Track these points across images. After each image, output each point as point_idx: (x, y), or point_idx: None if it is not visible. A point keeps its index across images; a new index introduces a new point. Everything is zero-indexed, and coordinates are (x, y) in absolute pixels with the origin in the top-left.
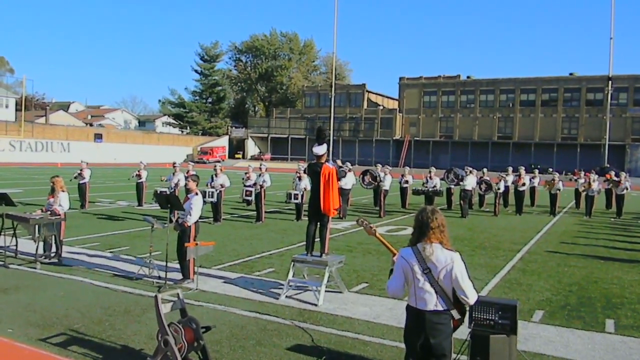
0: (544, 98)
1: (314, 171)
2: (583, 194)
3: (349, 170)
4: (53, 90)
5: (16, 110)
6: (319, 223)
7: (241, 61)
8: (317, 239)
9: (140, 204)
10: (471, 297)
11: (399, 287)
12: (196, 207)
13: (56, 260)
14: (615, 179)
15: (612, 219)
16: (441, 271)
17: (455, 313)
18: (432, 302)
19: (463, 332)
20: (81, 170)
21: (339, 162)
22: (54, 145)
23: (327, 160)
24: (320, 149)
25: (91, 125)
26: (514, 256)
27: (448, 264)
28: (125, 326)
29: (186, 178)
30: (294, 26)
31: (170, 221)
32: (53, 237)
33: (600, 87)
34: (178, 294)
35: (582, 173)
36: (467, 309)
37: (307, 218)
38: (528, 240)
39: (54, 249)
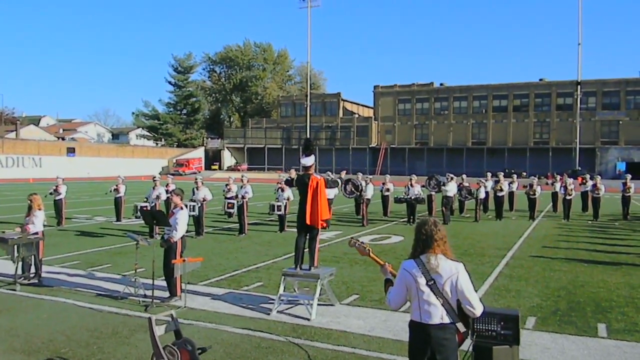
0: (515, 104)
1: (302, 182)
2: (560, 198)
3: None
4: (23, 105)
5: None
6: (308, 235)
7: (215, 72)
8: (306, 250)
9: (119, 219)
10: (477, 308)
11: (400, 300)
12: (182, 222)
13: (36, 281)
14: (590, 182)
15: (590, 222)
16: (446, 282)
17: (460, 326)
18: (438, 315)
19: (465, 344)
20: (57, 186)
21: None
22: (25, 161)
23: (314, 172)
24: (308, 160)
25: (63, 139)
26: (499, 262)
27: (453, 275)
28: (114, 349)
29: (168, 192)
30: (268, 37)
31: (151, 236)
32: (32, 257)
33: (570, 92)
34: (172, 314)
35: (558, 177)
36: (471, 321)
37: (290, 230)
38: (511, 245)
39: (32, 269)
